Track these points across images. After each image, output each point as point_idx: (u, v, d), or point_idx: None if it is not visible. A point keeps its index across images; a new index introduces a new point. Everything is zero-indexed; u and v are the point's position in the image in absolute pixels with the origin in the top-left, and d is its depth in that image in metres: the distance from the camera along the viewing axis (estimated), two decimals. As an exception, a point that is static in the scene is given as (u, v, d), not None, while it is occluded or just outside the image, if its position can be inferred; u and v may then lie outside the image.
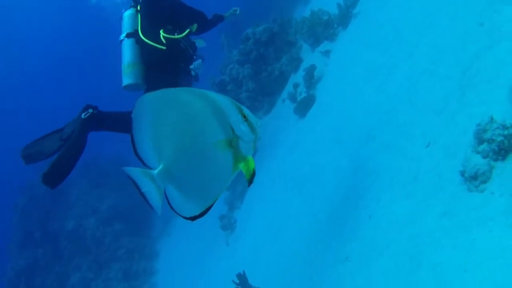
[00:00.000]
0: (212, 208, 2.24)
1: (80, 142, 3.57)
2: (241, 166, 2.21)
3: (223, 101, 2.13)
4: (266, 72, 8.96)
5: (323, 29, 7.92)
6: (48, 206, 13.59)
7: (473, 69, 3.56)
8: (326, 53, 7.54)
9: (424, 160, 3.67)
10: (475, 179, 2.89)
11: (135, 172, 2.12)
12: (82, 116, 3.59)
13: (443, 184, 3.28)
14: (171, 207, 2.24)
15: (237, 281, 5.69)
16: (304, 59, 8.57)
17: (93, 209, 12.88)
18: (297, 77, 8.20)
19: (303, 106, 7.30)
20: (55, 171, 3.40)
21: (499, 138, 2.74)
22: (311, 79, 7.38)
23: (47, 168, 3.37)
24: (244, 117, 2.15)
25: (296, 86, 7.88)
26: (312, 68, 7.40)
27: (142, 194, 2.15)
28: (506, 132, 2.73)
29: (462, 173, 3.02)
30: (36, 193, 13.78)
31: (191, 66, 4.20)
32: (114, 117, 3.83)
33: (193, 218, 2.23)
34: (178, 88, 2.19)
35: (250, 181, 2.21)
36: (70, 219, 12.91)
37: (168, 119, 2.09)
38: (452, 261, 2.79)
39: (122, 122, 3.82)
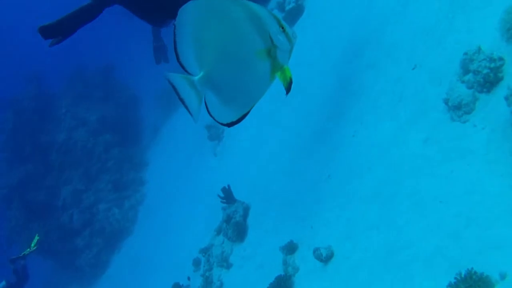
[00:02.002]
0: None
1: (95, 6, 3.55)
2: (278, 75, 2.30)
3: (263, 12, 2.19)
4: (253, -21, 8.55)
5: None
6: (36, 121, 13.47)
7: (465, -7, 3.37)
8: (316, -40, 7.16)
9: (409, 83, 3.60)
10: (458, 109, 2.85)
11: (177, 77, 2.18)
12: None
13: (426, 110, 3.25)
14: (209, 114, 2.32)
15: (222, 195, 5.78)
16: (292, -34, 8.14)
17: (82, 121, 12.76)
18: (286, -15, 7.84)
19: (292, 16, 7.05)
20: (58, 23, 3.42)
21: (485, 71, 2.66)
22: (299, -12, 7.06)
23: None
24: (282, 27, 2.21)
25: (284, -6, 7.54)
26: (301, -24, 7.05)
27: (182, 99, 2.22)
28: (492, 65, 2.64)
29: (446, 101, 2.97)
30: (24, 109, 13.59)
31: None
32: None
33: (230, 124, 2.35)
34: None
35: (288, 90, 2.30)
36: (59, 132, 12.82)
37: (210, 28, 2.15)
38: (429, 191, 2.83)
39: None
